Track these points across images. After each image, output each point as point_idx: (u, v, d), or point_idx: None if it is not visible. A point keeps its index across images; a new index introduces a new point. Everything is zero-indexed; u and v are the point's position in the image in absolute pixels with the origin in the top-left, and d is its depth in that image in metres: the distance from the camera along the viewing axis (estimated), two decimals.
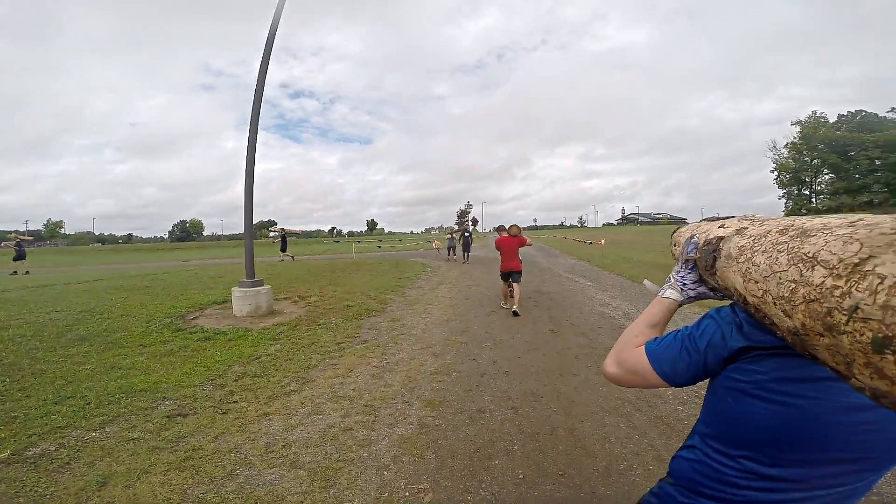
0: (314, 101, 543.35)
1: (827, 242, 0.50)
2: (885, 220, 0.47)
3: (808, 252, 0.52)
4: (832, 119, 65.05)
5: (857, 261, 0.45)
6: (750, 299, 0.65)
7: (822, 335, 0.48)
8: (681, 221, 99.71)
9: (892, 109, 60.89)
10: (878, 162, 55.49)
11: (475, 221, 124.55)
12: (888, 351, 0.40)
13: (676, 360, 0.80)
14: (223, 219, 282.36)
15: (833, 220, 0.55)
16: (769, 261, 0.59)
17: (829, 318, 0.47)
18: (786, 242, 0.57)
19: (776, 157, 69.97)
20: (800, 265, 0.52)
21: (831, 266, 0.48)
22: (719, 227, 0.85)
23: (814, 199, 65.94)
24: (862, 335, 0.43)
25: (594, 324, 5.98)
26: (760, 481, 0.73)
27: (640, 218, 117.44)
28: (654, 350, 0.84)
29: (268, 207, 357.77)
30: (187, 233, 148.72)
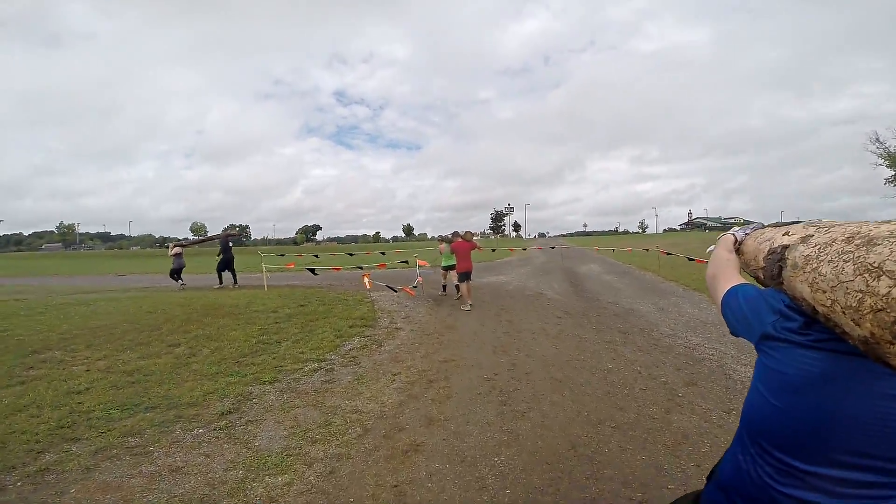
0: (365, 107, 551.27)
1: (892, 252, 0.50)
2: None
3: (874, 262, 0.52)
4: None
5: None
6: (819, 308, 0.64)
7: (891, 343, 0.49)
8: None
9: None
10: None
11: (517, 226, 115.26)
12: None
13: (737, 315, 0.86)
14: (276, 223, 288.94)
15: None
16: (835, 271, 0.59)
17: None
18: (851, 252, 0.57)
19: (882, 150, 55.41)
20: (866, 275, 0.52)
21: None
22: (784, 235, 0.82)
23: None
24: None
25: None
26: (798, 479, 0.70)
27: (709, 223, 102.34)
28: (733, 295, 0.90)
29: (322, 213, 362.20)
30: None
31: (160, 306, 8.13)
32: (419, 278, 9.19)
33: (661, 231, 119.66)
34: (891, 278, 0.48)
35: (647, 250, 14.10)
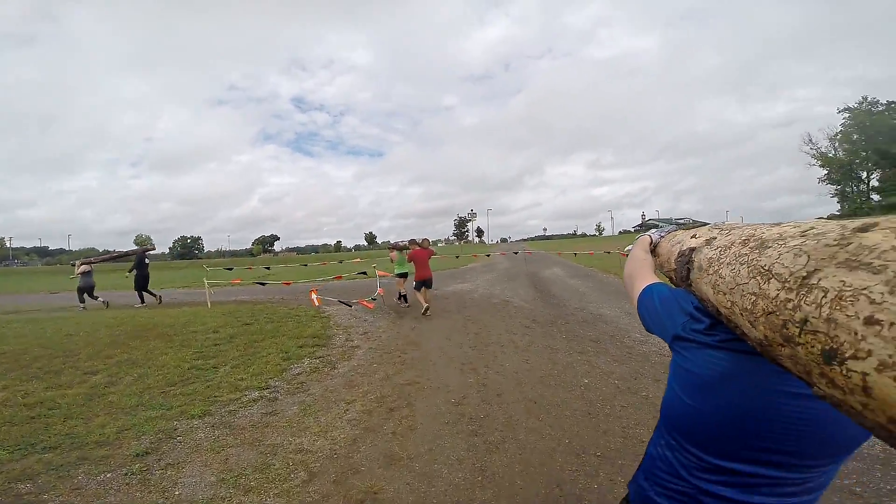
0: (324, 113, 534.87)
1: (780, 255, 0.51)
2: (831, 231, 0.47)
3: (765, 265, 0.53)
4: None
5: (804, 274, 0.45)
6: (721, 310, 0.65)
7: (782, 346, 0.49)
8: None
9: None
10: None
11: (480, 232, 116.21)
12: (835, 362, 0.41)
13: (652, 315, 0.89)
14: (231, 234, 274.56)
15: (788, 228, 0.55)
16: (733, 273, 0.60)
17: (785, 330, 0.47)
18: (746, 255, 0.58)
19: (814, 151, 60.12)
20: (758, 278, 0.53)
21: (784, 279, 0.48)
22: (692, 238, 0.83)
23: (873, 196, 54.69)
24: (813, 347, 0.43)
25: None
26: (710, 473, 0.72)
27: (661, 224, 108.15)
28: (648, 294, 0.92)
29: (280, 222, 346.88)
30: (188, 249, 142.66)
31: (83, 328, 7.14)
32: (379, 290, 8.67)
33: (616, 233, 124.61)
34: (779, 281, 0.48)
35: (609, 253, 14.27)
